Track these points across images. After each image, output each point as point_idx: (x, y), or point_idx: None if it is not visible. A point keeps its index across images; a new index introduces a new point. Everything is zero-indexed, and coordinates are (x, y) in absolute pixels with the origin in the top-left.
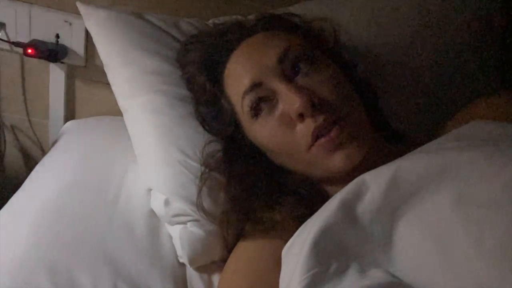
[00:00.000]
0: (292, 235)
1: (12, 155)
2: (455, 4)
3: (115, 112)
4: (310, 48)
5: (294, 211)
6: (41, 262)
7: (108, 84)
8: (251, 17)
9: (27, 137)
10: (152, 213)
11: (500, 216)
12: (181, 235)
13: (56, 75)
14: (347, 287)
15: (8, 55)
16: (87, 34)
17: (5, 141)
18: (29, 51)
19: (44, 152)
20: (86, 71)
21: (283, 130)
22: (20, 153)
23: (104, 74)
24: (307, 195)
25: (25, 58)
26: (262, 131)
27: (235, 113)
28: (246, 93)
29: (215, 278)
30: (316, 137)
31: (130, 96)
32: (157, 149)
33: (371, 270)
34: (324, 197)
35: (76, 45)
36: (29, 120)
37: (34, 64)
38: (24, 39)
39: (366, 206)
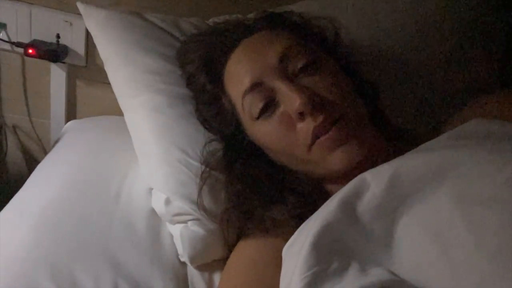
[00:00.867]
0: (292, 234)
1: (14, 155)
2: (455, 3)
3: (116, 111)
4: (310, 47)
5: (295, 210)
6: (43, 261)
7: (108, 83)
8: (251, 15)
9: (28, 137)
10: (153, 212)
11: (500, 214)
12: (182, 234)
13: (57, 75)
14: (347, 286)
15: (9, 56)
16: (88, 34)
17: (6, 141)
18: (30, 51)
19: (45, 152)
20: (87, 71)
21: (283, 130)
22: (22, 153)
23: (104, 73)
24: (307, 194)
25: (26, 58)
26: (263, 131)
27: (235, 112)
28: (246, 92)
29: (216, 277)
30: (316, 136)
31: (131, 95)
32: (158, 148)
33: (371, 268)
34: (325, 196)
35: (77, 45)
36: (31, 120)
37: (35, 64)
38: (25, 39)
39: (366, 205)
